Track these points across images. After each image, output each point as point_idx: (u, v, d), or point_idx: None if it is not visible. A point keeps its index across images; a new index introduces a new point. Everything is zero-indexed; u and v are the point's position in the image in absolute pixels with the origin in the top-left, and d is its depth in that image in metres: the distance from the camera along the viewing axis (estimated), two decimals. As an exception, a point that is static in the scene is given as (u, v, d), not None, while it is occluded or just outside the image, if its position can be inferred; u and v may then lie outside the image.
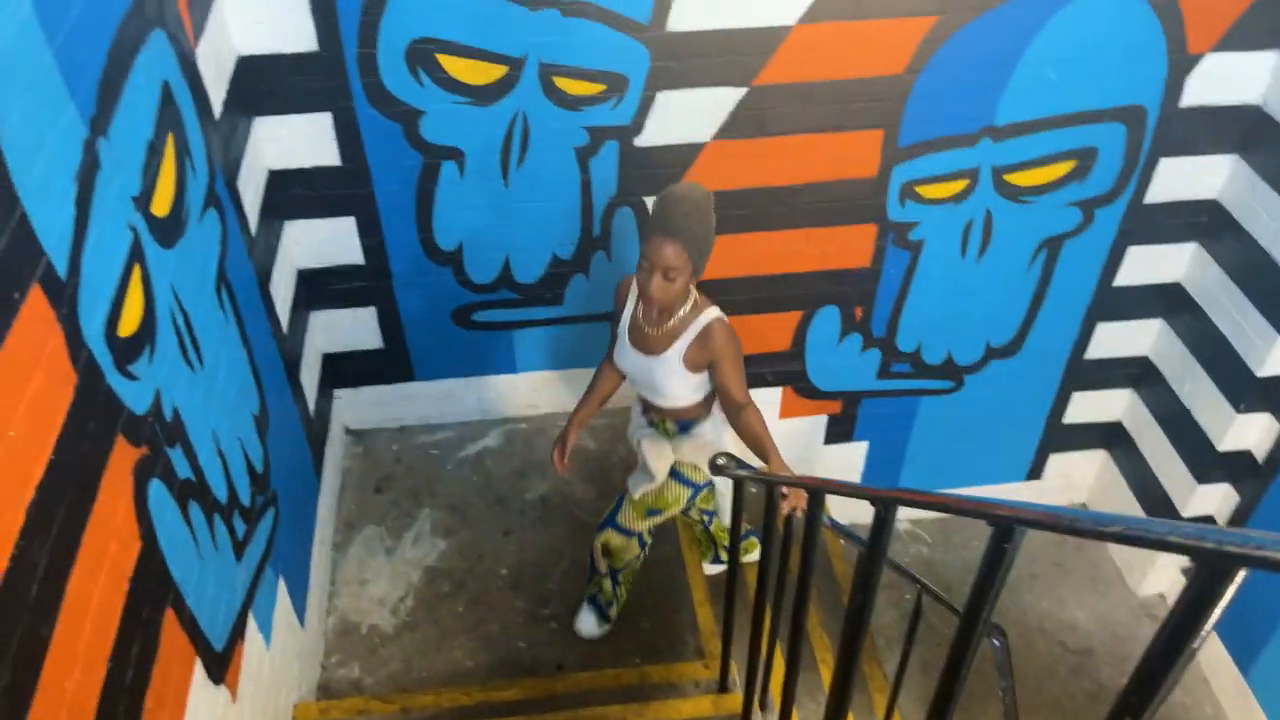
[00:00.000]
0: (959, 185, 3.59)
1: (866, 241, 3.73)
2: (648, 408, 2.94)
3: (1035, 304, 4.05)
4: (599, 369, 2.98)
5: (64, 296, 1.69)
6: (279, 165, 3.25)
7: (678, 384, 2.71)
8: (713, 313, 2.63)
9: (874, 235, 3.71)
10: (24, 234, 1.57)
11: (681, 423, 2.88)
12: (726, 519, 3.10)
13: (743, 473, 2.58)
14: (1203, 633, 0.71)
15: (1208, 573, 0.70)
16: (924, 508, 1.28)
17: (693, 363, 2.65)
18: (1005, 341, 4.18)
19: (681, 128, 3.32)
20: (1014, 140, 3.49)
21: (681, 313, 2.63)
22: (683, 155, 3.38)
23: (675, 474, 2.95)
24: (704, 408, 2.84)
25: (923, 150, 3.48)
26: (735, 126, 3.33)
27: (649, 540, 3.18)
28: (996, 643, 2.86)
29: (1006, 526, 1.01)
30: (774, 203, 3.55)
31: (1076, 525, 0.86)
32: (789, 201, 3.56)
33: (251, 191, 3.04)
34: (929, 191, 3.60)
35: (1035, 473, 4.78)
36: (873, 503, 1.35)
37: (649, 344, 2.70)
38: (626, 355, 2.78)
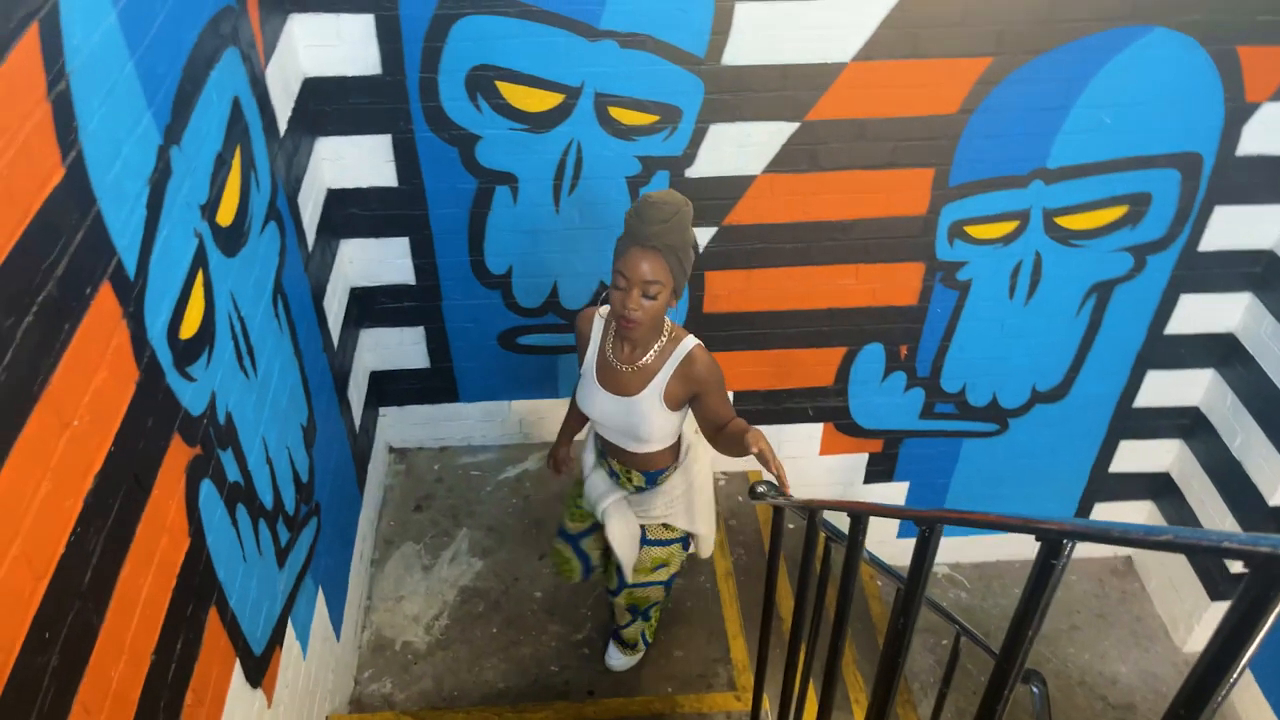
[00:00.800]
0: (1009, 226, 3.58)
1: (914, 280, 3.72)
2: (609, 454, 2.69)
3: (1084, 349, 4.01)
4: (572, 404, 2.77)
5: (131, 295, 1.74)
6: (338, 185, 3.33)
7: (658, 424, 2.45)
8: (691, 340, 2.40)
9: (922, 274, 3.70)
10: (98, 232, 1.63)
11: (650, 474, 2.65)
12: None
13: (783, 500, 2.54)
14: (1255, 642, 0.70)
15: (1262, 580, 0.69)
16: (969, 525, 1.28)
17: (675, 398, 2.42)
18: (1052, 386, 4.14)
19: (733, 160, 3.36)
20: (1066, 183, 3.48)
21: (658, 347, 2.40)
22: (733, 187, 3.42)
23: (648, 540, 2.75)
24: (673, 454, 2.63)
25: (973, 190, 3.48)
26: (787, 160, 3.36)
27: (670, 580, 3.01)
28: (1036, 690, 2.80)
29: (1054, 540, 1.01)
30: (823, 237, 3.57)
31: (1127, 537, 0.85)
32: (838, 237, 3.57)
33: (310, 208, 3.12)
34: (978, 232, 3.59)
35: (1079, 522, 4.69)
36: (917, 523, 1.34)
37: (622, 384, 2.44)
38: (595, 398, 2.50)
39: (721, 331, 3.82)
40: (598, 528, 2.85)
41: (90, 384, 1.58)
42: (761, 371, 3.99)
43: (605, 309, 2.47)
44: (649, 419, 2.44)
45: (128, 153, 1.76)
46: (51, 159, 1.49)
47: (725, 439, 2.42)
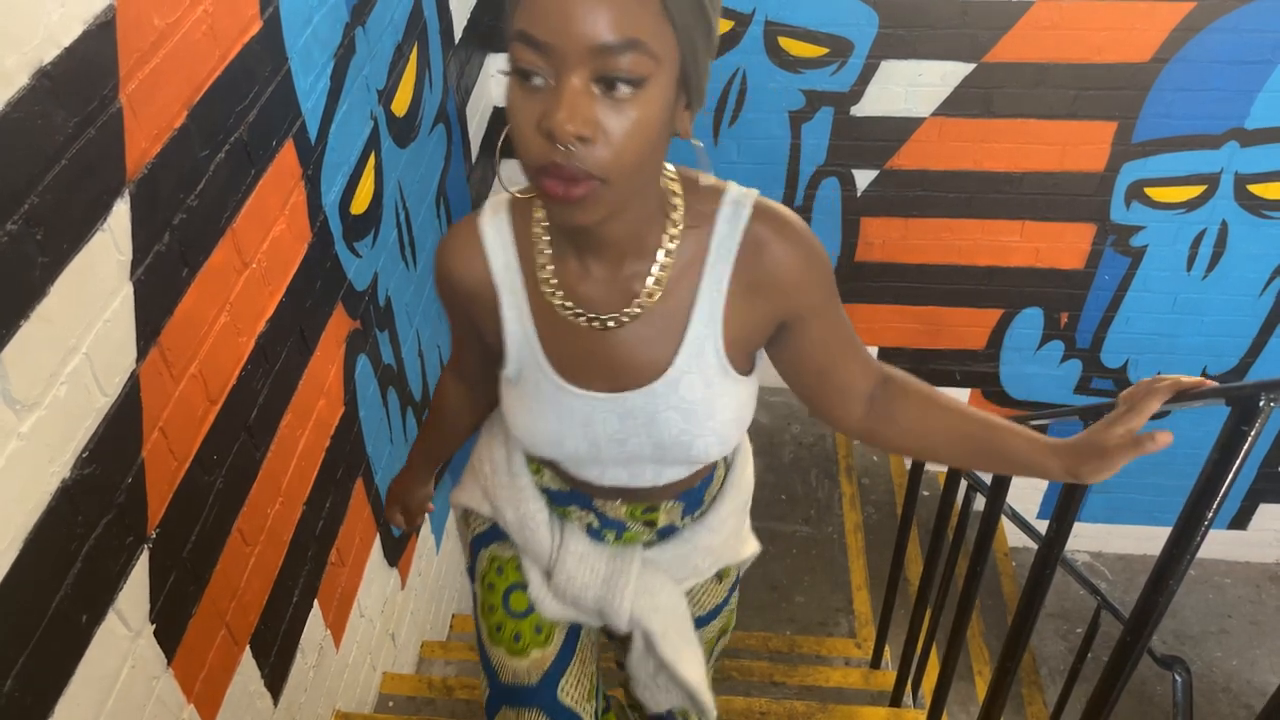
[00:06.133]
0: (1195, 190, 3.36)
1: (1083, 242, 3.54)
2: (594, 496, 1.22)
3: (1264, 334, 3.73)
4: (442, 405, 1.34)
5: (311, 158, 1.81)
6: (504, 102, 3.38)
7: (733, 410, 1.08)
8: (747, 194, 1.00)
9: (1092, 236, 3.52)
10: (286, 90, 1.70)
11: (692, 493, 1.24)
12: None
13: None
14: None
15: None
16: (1199, 398, 0.93)
17: (746, 339, 1.05)
18: (1225, 371, 3.87)
19: (902, 100, 3.25)
20: (1265, 147, 3.24)
21: (673, 228, 0.99)
22: (899, 128, 3.31)
23: (699, 618, 1.37)
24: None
25: (1159, 148, 3.27)
26: (958, 104, 3.23)
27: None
28: (1178, 678, 2.64)
29: (1249, 400, 0.93)
30: (989, 189, 3.42)
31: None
32: (1005, 190, 3.42)
33: (476, 122, 3.18)
34: (1160, 194, 3.38)
35: (1240, 522, 4.40)
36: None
37: (621, 355, 1.04)
38: (564, 412, 1.08)
39: (871, 282, 3.72)
40: (571, 652, 1.32)
41: (269, 233, 1.65)
42: (910, 328, 3.87)
43: (492, 209, 1.08)
44: (714, 409, 1.06)
45: (318, 21, 1.83)
46: (251, 9, 1.56)
47: (943, 433, 1.12)
